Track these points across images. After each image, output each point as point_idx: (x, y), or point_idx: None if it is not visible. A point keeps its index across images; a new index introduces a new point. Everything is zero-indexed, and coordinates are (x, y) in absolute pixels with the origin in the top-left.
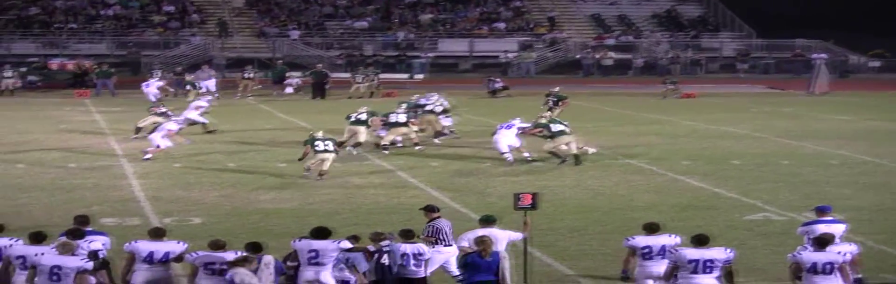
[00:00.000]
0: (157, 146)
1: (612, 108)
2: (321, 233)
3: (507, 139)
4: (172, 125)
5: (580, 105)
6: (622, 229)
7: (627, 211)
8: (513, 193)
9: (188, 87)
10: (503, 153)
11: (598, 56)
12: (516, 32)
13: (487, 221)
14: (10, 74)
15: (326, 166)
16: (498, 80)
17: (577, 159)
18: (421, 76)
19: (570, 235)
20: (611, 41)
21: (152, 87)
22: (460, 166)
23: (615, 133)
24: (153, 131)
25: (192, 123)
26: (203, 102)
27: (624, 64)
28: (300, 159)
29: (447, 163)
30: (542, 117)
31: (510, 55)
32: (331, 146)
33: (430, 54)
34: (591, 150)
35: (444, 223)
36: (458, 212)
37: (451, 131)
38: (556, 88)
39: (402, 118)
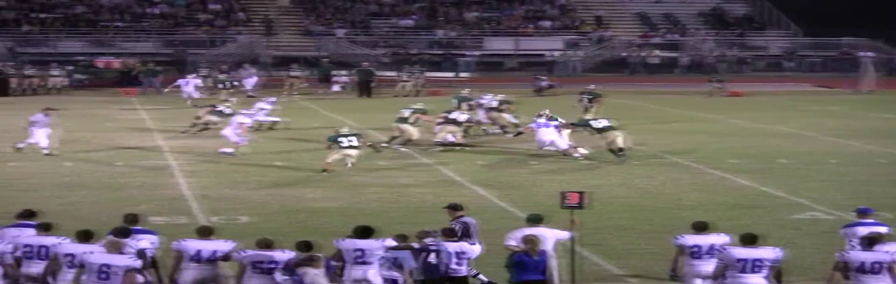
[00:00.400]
0: (236, 142)
1: (658, 106)
2: (365, 232)
3: (550, 136)
4: (244, 119)
5: (626, 103)
6: (670, 228)
7: (675, 210)
8: (560, 191)
9: (220, 85)
10: (561, 149)
11: (644, 54)
12: (562, 31)
13: (535, 220)
14: (57, 72)
15: (352, 161)
16: (544, 78)
17: (617, 153)
18: (467, 75)
19: (617, 234)
20: (657, 39)
21: (191, 85)
22: (508, 164)
23: (662, 132)
24: (204, 129)
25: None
26: (266, 104)
27: (670, 62)
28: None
29: (494, 161)
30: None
31: (556, 53)
32: (355, 142)
33: (476, 53)
34: (583, 151)
35: (471, 221)
36: (506, 211)
37: (503, 128)
38: (592, 86)
39: (463, 117)
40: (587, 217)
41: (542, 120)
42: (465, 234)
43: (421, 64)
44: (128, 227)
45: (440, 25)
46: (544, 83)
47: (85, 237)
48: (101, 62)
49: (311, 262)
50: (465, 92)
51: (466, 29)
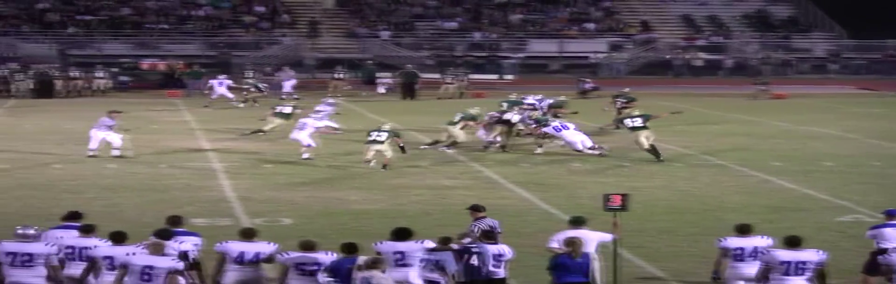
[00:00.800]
0: (309, 145)
1: (702, 108)
2: (403, 234)
3: (577, 137)
4: (318, 123)
5: (670, 106)
6: (713, 230)
7: (718, 212)
8: (602, 194)
9: (253, 88)
10: (590, 149)
11: (688, 57)
12: (606, 33)
13: (577, 222)
14: (101, 74)
15: (388, 155)
16: (588, 80)
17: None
18: (510, 77)
19: (660, 236)
20: (701, 42)
21: (224, 86)
22: (550, 166)
23: (705, 134)
24: (258, 131)
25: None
26: (324, 106)
27: (714, 65)
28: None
29: (537, 163)
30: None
31: (600, 56)
32: (382, 137)
33: (520, 55)
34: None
35: (492, 223)
36: (548, 213)
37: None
38: (626, 89)
39: (516, 118)
40: (629, 220)
41: (556, 124)
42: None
43: (465, 66)
44: (170, 229)
45: (484, 28)
46: (588, 85)
47: (118, 238)
48: (145, 64)
49: (376, 265)
50: (513, 96)
51: (510, 31)
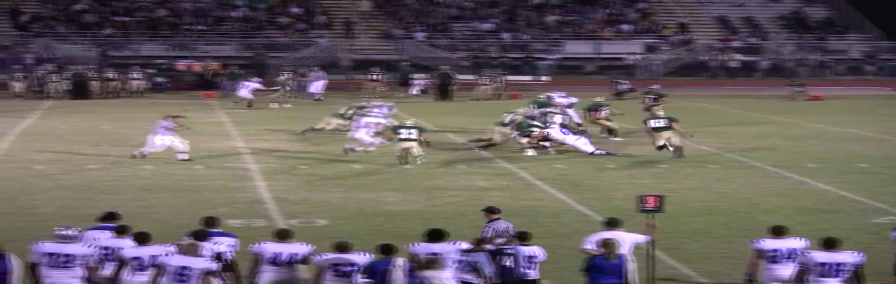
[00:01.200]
0: (372, 143)
1: (737, 110)
2: (437, 236)
3: (579, 141)
4: (378, 119)
5: (706, 107)
6: (747, 232)
7: (753, 214)
8: (637, 195)
9: (280, 88)
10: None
11: (724, 58)
12: (642, 34)
13: (612, 223)
14: (137, 75)
15: (416, 152)
16: (624, 82)
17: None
18: (546, 78)
19: (695, 238)
20: (737, 43)
21: (249, 87)
22: (585, 168)
23: (741, 135)
24: (313, 130)
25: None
26: (382, 107)
27: (750, 66)
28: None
29: (572, 165)
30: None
31: (636, 57)
32: (414, 135)
33: (556, 56)
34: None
35: (502, 226)
36: (583, 214)
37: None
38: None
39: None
40: (664, 221)
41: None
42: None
43: (501, 67)
44: (206, 230)
45: (520, 29)
46: (624, 87)
47: (142, 239)
48: (181, 65)
49: (433, 265)
50: (543, 97)
51: (546, 32)
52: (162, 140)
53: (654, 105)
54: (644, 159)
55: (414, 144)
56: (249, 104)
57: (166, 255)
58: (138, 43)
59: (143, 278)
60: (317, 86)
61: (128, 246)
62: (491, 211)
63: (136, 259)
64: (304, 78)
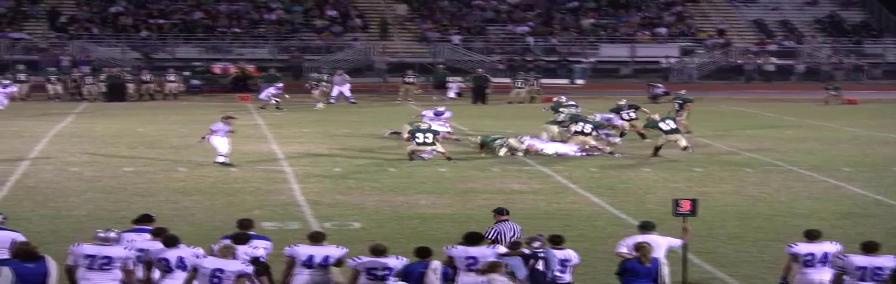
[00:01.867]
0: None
1: (773, 114)
2: (475, 239)
3: (564, 147)
4: (442, 128)
5: (741, 111)
6: (782, 236)
7: (787, 218)
8: (672, 199)
9: (313, 84)
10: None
11: (759, 61)
12: (678, 38)
13: (647, 227)
14: (173, 77)
15: (441, 149)
16: (659, 85)
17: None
18: (581, 81)
19: (729, 242)
20: (773, 47)
21: (272, 90)
22: (619, 171)
23: (776, 139)
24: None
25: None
26: (442, 112)
27: (786, 70)
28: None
29: (606, 168)
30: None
31: (672, 60)
32: (430, 139)
33: (591, 59)
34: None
35: (507, 227)
36: (617, 218)
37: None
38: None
39: (588, 128)
40: (698, 225)
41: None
42: (498, 241)
43: (536, 70)
44: (246, 233)
45: (556, 32)
46: (660, 90)
47: (169, 243)
48: (217, 68)
49: (495, 268)
50: (562, 99)
51: (582, 36)
52: (219, 140)
53: (681, 111)
54: (679, 162)
55: (429, 147)
56: (278, 107)
57: (198, 257)
58: (174, 45)
59: (174, 281)
60: (340, 90)
61: (155, 249)
62: (499, 212)
63: (163, 260)
64: (316, 74)
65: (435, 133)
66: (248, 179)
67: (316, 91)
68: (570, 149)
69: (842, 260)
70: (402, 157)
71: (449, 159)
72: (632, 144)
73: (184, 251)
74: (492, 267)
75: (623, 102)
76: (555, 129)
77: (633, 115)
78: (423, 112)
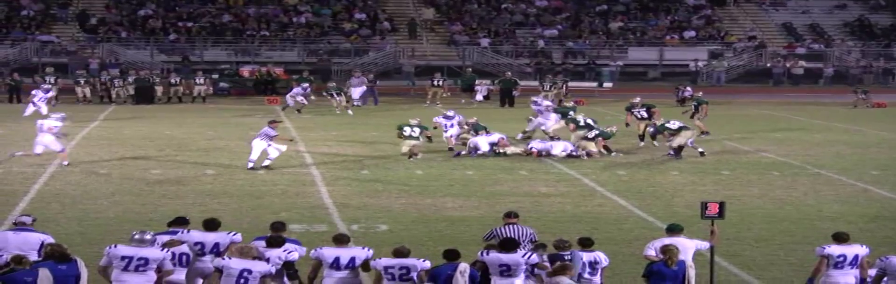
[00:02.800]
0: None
1: (801, 117)
2: (510, 245)
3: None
4: (494, 137)
5: (769, 114)
6: (810, 239)
7: (815, 221)
8: (700, 201)
9: (331, 94)
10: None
11: (788, 65)
12: (707, 41)
13: (674, 230)
14: (201, 80)
15: (417, 150)
16: (688, 88)
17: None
18: (609, 85)
19: (756, 245)
20: (801, 50)
21: (295, 92)
22: (647, 174)
23: (804, 143)
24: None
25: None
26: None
27: (815, 73)
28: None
29: (634, 171)
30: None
31: (700, 64)
32: (416, 133)
33: (619, 63)
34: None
35: (512, 230)
36: (645, 221)
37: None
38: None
39: (592, 134)
40: (726, 228)
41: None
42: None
43: (563, 74)
44: (281, 236)
45: (584, 35)
46: (688, 93)
47: (209, 226)
48: (245, 71)
49: (564, 271)
50: (571, 103)
51: (610, 39)
52: (259, 145)
53: (697, 112)
54: (706, 165)
55: (414, 142)
56: (298, 110)
57: (228, 258)
58: (202, 48)
59: (203, 264)
60: (357, 92)
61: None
62: (507, 215)
63: (198, 244)
64: (372, 84)
65: (422, 128)
66: (275, 181)
67: (333, 102)
68: (566, 145)
69: (883, 262)
70: (429, 159)
71: (410, 157)
72: (631, 143)
73: (221, 236)
74: (561, 270)
75: (636, 100)
76: (581, 133)
77: (644, 114)
78: (435, 119)
